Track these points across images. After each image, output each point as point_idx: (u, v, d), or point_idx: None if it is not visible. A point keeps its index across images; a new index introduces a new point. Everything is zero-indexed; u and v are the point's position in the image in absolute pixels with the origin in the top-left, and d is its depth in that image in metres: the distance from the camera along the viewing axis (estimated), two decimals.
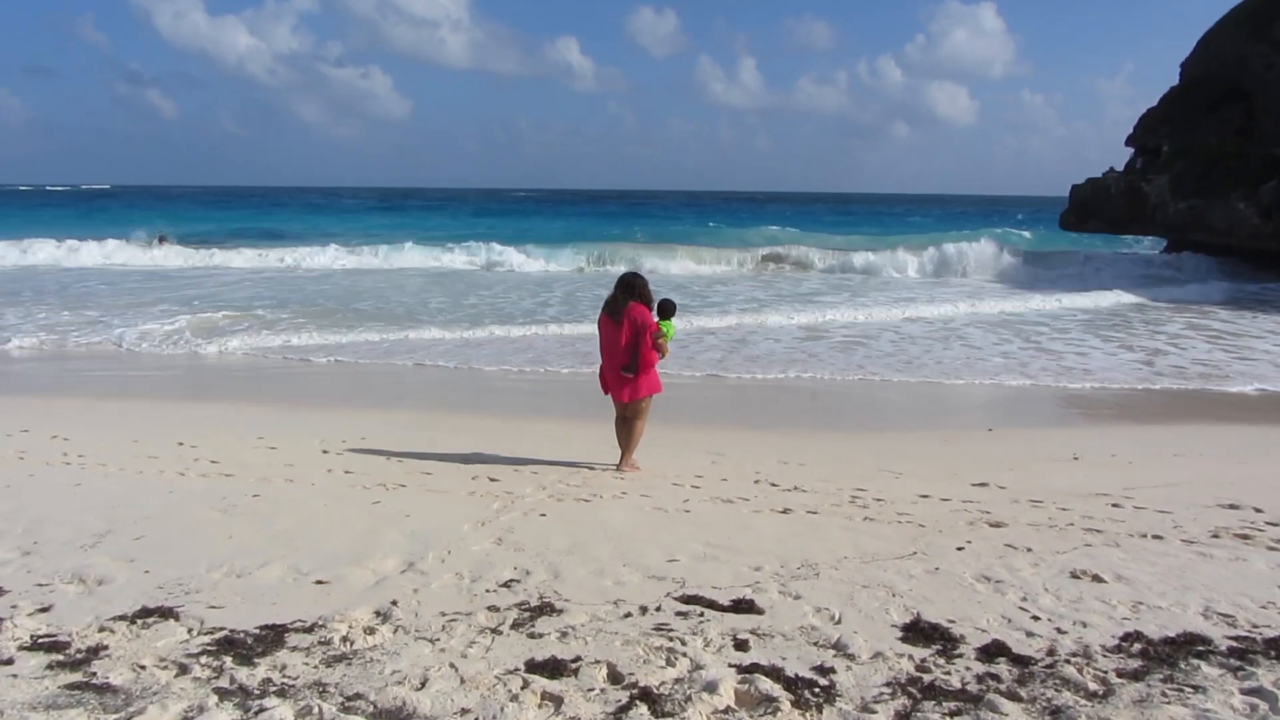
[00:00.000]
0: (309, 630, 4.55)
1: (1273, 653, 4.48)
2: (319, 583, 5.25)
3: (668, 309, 8.69)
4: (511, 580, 5.33)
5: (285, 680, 3.99)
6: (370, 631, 4.54)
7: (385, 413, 11.92)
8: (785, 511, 7.05)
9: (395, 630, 4.58)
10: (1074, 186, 53.53)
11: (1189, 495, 7.81)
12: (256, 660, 4.19)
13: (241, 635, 4.46)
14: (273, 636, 4.47)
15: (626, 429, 8.74)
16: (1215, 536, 6.50)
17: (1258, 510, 7.28)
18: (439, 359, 16.27)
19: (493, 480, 7.95)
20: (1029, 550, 6.10)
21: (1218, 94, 49.02)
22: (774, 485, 8.04)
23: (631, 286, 8.49)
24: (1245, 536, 6.50)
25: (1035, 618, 4.91)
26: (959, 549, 6.11)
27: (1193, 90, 50.68)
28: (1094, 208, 51.51)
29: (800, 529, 6.56)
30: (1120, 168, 52.70)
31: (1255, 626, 4.84)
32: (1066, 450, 10.03)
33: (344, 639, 4.45)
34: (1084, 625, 4.82)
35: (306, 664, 4.16)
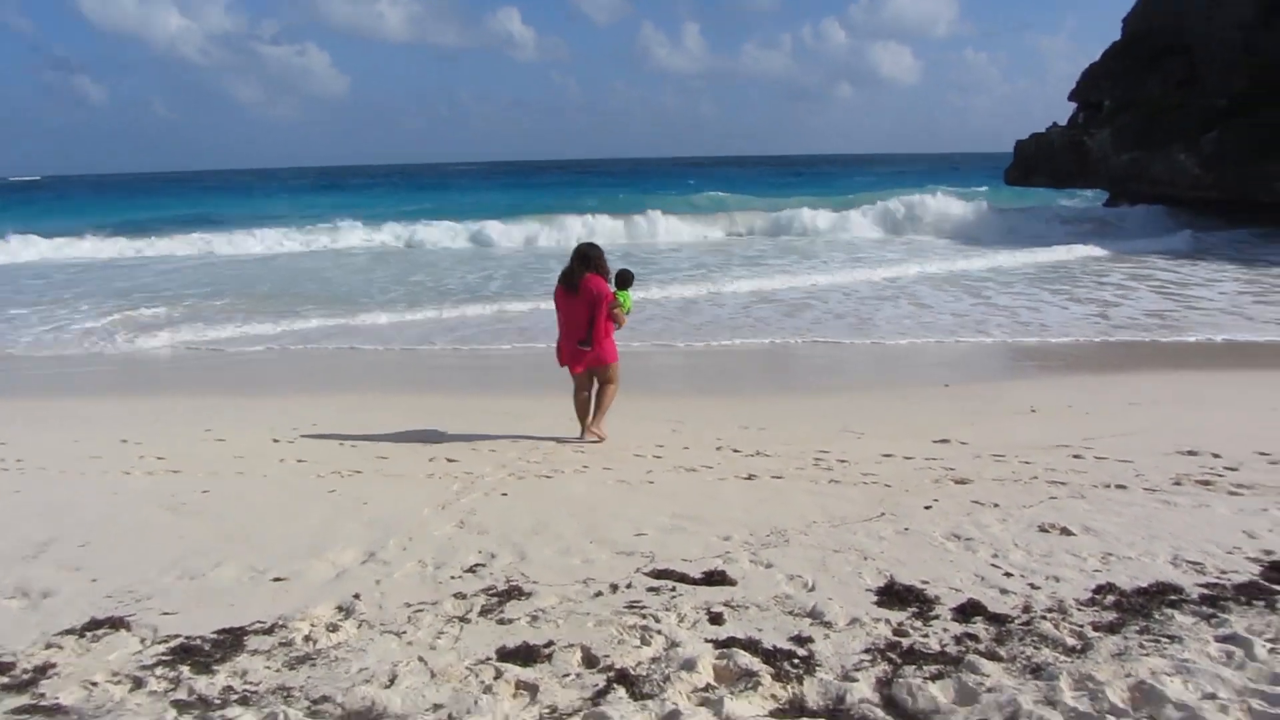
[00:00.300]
0: (269, 631, 4.38)
1: (1243, 598, 4.49)
2: (277, 580, 5.07)
3: (625, 279, 8.56)
4: (477, 565, 5.19)
5: (247, 687, 3.82)
6: (333, 629, 4.39)
7: (335, 397, 11.66)
8: (750, 478, 6.98)
9: (359, 625, 4.43)
10: (1018, 142, 54.03)
11: (1148, 443, 7.87)
12: (215, 667, 4.02)
13: (198, 642, 4.28)
14: (231, 641, 4.29)
15: (591, 401, 8.64)
16: (1177, 484, 6.54)
17: (1215, 456, 7.35)
18: (388, 341, 15.98)
19: (451, 461, 7.78)
20: (996, 506, 6.09)
21: (1159, 47, 49.56)
22: (737, 451, 7.96)
23: (587, 258, 8.35)
24: (1206, 483, 6.54)
25: (1008, 574, 4.89)
26: (926, 508, 6.08)
27: (1134, 44, 51.19)
28: (1038, 162, 52.05)
29: (766, 495, 6.49)
30: (1063, 123, 53.33)
31: (1224, 573, 4.85)
32: (1024, 403, 10.08)
33: (306, 638, 4.29)
34: (1056, 580, 4.80)
35: (269, 668, 4.00)
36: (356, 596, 4.76)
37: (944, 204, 44.45)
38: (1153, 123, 45.23)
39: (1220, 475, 6.74)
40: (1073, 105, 51.99)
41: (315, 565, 5.26)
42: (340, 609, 4.64)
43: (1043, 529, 5.59)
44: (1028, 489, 6.49)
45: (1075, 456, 7.47)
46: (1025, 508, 6.03)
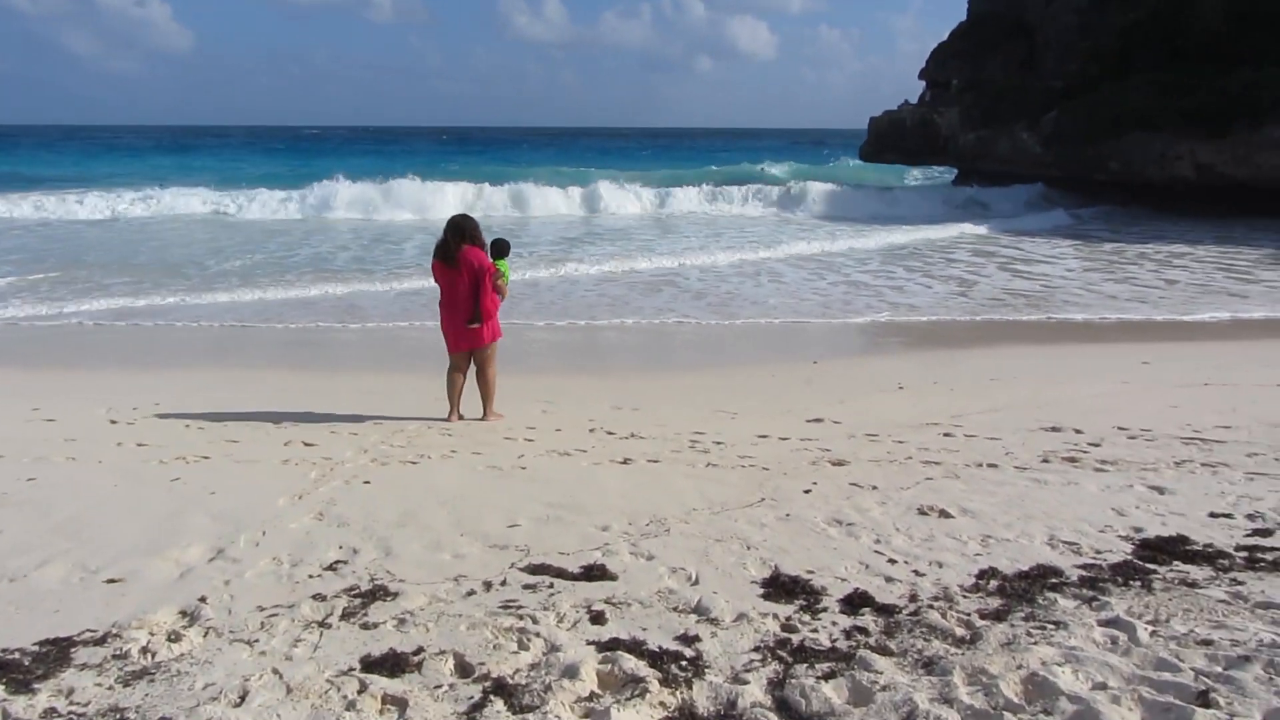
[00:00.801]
0: (101, 642, 3.91)
1: (1120, 579, 4.53)
2: (111, 581, 4.56)
3: (501, 248, 8.21)
4: (338, 562, 4.80)
5: (73, 708, 3.38)
6: (175, 638, 3.95)
7: (179, 374, 10.92)
8: (626, 462, 6.76)
9: (206, 633, 4.00)
10: (872, 119, 55.55)
11: (1013, 420, 8.02)
12: (36, 685, 3.55)
13: (16, 656, 3.78)
14: (56, 654, 3.81)
15: (463, 383, 8.28)
16: (1045, 461, 6.65)
17: (1078, 431, 7.54)
18: (235, 316, 15.09)
19: (308, 445, 7.29)
20: (874, 488, 6.04)
21: (1002, 30, 51.59)
22: (611, 434, 7.74)
23: (461, 229, 7.96)
24: (1072, 460, 6.68)
25: (891, 560, 4.81)
26: (806, 492, 5.98)
27: (979, 26, 53.15)
28: (891, 139, 53.65)
29: (644, 480, 6.29)
30: (909, 101, 55.04)
31: (1099, 553, 4.90)
32: (891, 380, 10.20)
33: (144, 649, 3.84)
34: (939, 565, 4.75)
35: (99, 685, 3.55)
36: (203, 600, 4.32)
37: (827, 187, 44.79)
38: (997, 102, 47.13)
39: (1085, 452, 6.89)
40: (922, 83, 53.74)
41: (156, 564, 4.77)
42: (184, 614, 4.20)
43: (922, 512, 5.56)
44: (904, 470, 6.48)
45: (946, 435, 7.54)
46: (903, 489, 6.01)
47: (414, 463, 6.77)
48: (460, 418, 8.33)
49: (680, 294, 17.29)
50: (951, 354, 12.18)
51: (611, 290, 17.67)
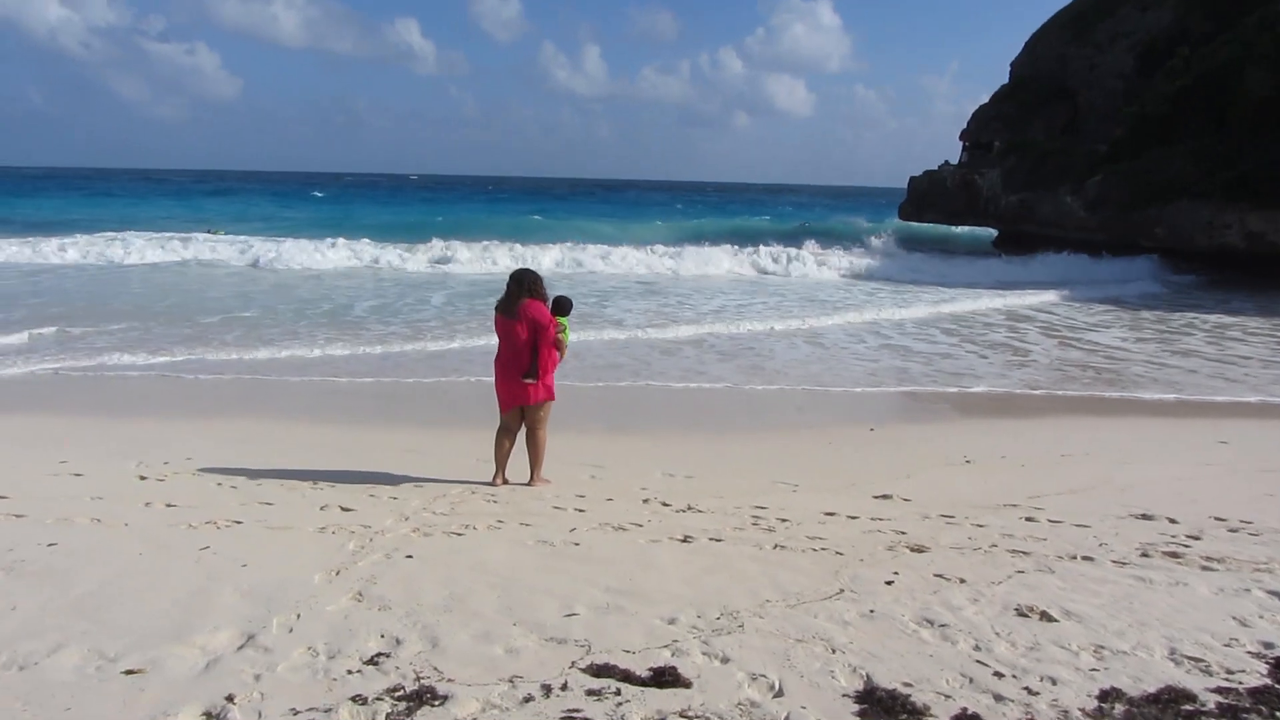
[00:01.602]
0: None
1: (1263, 708, 3.97)
2: (130, 673, 4.12)
3: (564, 306, 7.83)
4: (379, 655, 4.33)
5: None
6: None
7: (212, 424, 10.55)
8: (686, 540, 6.27)
9: None
10: (912, 178, 55.38)
11: (1097, 504, 7.46)
12: None
13: None
14: None
15: (512, 445, 7.88)
16: (1145, 556, 6.09)
17: (1172, 521, 6.97)
18: (273, 370, 14.80)
19: (346, 510, 6.86)
20: (962, 581, 5.51)
21: (1045, 93, 51.46)
22: (666, 505, 7.26)
23: (522, 282, 7.65)
24: (1174, 555, 6.10)
25: (998, 674, 4.28)
26: (888, 583, 5.46)
27: (1021, 88, 53.04)
28: (931, 199, 53.39)
29: (708, 563, 5.78)
30: (949, 161, 54.83)
31: (1231, 673, 4.34)
32: (954, 452, 9.67)
33: None
34: (1053, 682, 4.21)
35: None
36: (230, 699, 3.86)
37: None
38: (1040, 164, 46.78)
39: (1186, 546, 6.32)
40: (958, 144, 53.54)
41: (179, 652, 4.32)
42: (209, 716, 3.74)
43: (1021, 613, 5.02)
44: (991, 560, 5.94)
45: (1028, 519, 6.99)
46: (994, 584, 5.46)
47: (459, 534, 6.31)
48: (505, 482, 7.90)
49: (719, 355, 16.84)
50: (1014, 425, 11.61)
51: (633, 351, 17.22)
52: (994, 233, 51.09)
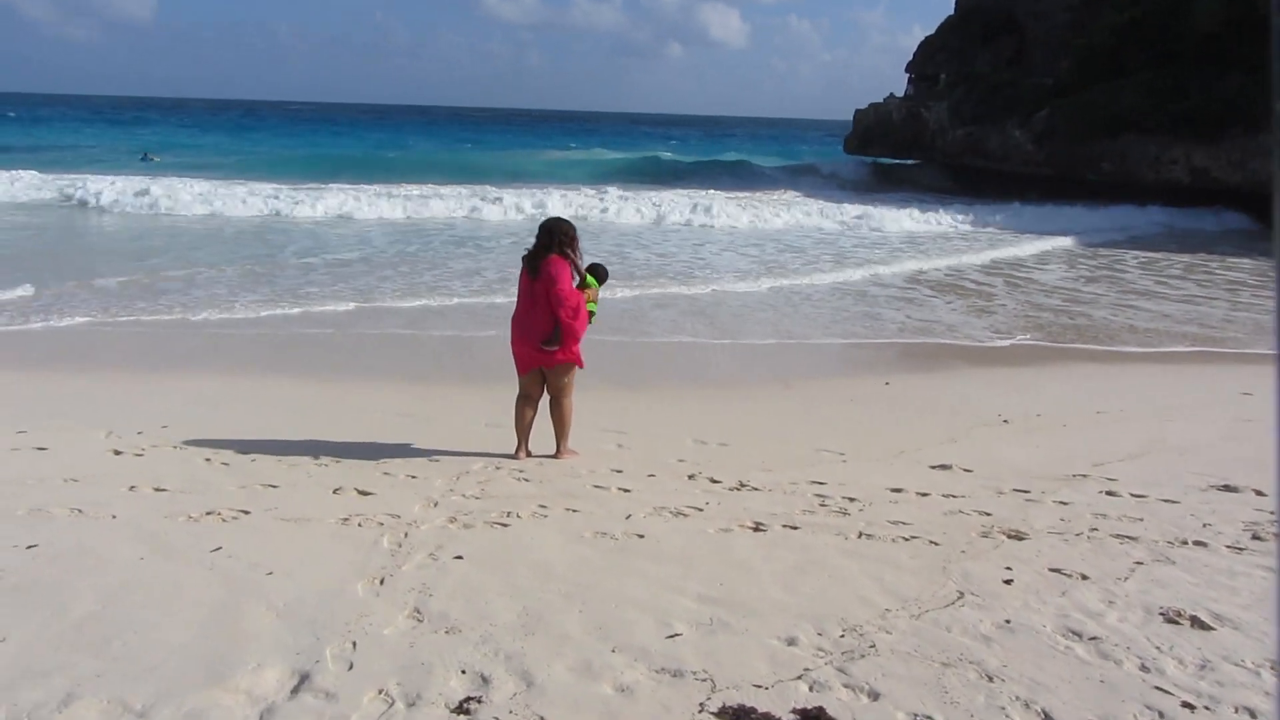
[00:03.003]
0: None
1: None
2: None
3: (600, 274, 7.03)
4: (469, 700, 3.60)
5: None
6: None
7: (173, 381, 9.56)
8: (758, 529, 5.60)
9: None
10: (858, 111, 54.82)
11: (1168, 472, 6.99)
12: None
13: None
14: None
15: (553, 411, 7.16)
16: (1257, 539, 5.59)
17: (1259, 494, 6.50)
18: (218, 310, 13.70)
19: (364, 495, 6.05)
20: (1084, 578, 4.94)
21: (992, 25, 50.92)
22: (715, 482, 6.59)
23: (553, 234, 6.77)
24: None
25: (1187, 705, 3.71)
26: (1006, 582, 4.87)
27: (968, 20, 52.41)
28: (877, 133, 52.97)
29: (796, 559, 5.13)
30: (894, 94, 54.26)
31: None
32: (983, 410, 9.14)
33: None
34: (1251, 715, 3.65)
35: None
36: None
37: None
38: (988, 98, 46.44)
39: None
40: (891, 78, 53.06)
41: (223, 700, 3.54)
42: None
43: (1168, 618, 4.47)
44: (1100, 549, 5.39)
45: (1108, 494, 6.48)
46: (1120, 580, 4.92)
47: (502, 524, 5.55)
48: (529, 454, 7.14)
49: (685, 311, 16.12)
50: (1024, 378, 11.12)
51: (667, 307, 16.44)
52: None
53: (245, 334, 12.11)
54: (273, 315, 13.12)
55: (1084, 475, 6.90)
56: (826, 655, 4.02)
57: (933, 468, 7.10)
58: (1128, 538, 5.57)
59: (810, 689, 3.74)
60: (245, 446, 7.11)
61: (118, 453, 6.82)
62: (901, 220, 30.18)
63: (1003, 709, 3.64)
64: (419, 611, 4.32)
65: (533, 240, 6.89)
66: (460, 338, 12.16)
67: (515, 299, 7.08)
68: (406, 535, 5.29)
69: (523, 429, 7.16)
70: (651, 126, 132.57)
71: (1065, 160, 41.27)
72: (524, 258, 6.85)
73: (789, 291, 16.92)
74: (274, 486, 6.14)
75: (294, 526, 5.40)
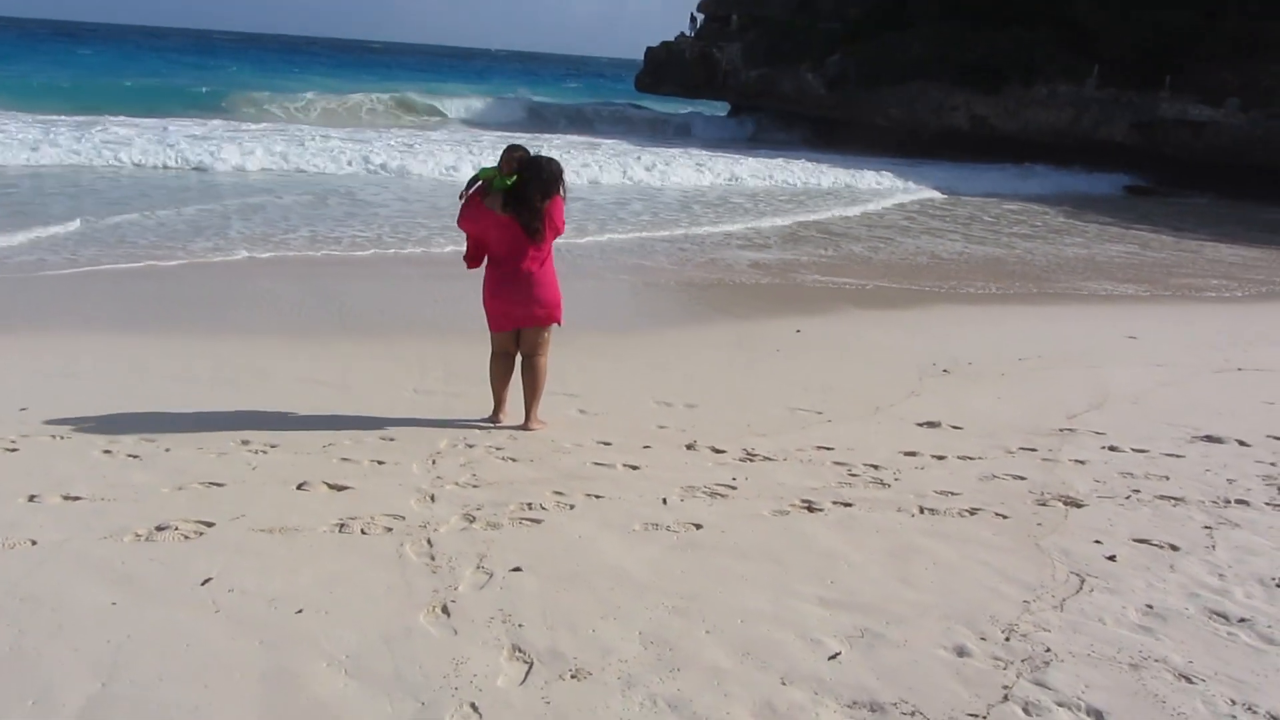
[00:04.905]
0: None
1: None
2: None
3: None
4: None
5: None
6: None
7: (12, 345, 7.85)
8: (812, 509, 5.04)
9: None
10: (649, 49, 54.45)
11: (1144, 424, 6.99)
12: None
13: None
14: None
15: (526, 373, 6.23)
16: None
17: (1243, 444, 6.58)
18: (39, 254, 11.64)
19: (338, 489, 5.00)
20: (1174, 548, 4.72)
21: None
22: (719, 452, 5.97)
23: (557, 177, 5.85)
24: None
25: None
26: (1109, 558, 4.56)
27: None
28: (668, 71, 52.82)
29: (883, 543, 4.62)
30: (685, 33, 54.29)
31: None
32: (915, 358, 8.92)
33: None
34: None
35: None
36: None
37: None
38: (781, 41, 47.28)
39: None
40: (670, 16, 53.34)
41: None
42: None
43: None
44: (1159, 514, 5.21)
45: (1111, 449, 6.36)
46: (1209, 549, 4.73)
47: (533, 520, 4.71)
48: (504, 417, 6.31)
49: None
50: (916, 321, 11.06)
51: None
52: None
53: (78, 283, 10.25)
54: (110, 268, 11.20)
55: (1070, 430, 6.78)
56: (1008, 665, 3.54)
57: (920, 425, 6.78)
58: (1174, 499, 5.42)
59: (1025, 711, 3.25)
60: (141, 428, 5.81)
61: (11, 447, 5.36)
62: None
63: (1233, 718, 3.27)
64: (520, 651, 3.47)
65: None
66: (336, 289, 10.82)
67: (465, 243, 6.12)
68: (430, 544, 4.35)
69: (502, 388, 6.31)
70: (418, 56, 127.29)
71: (855, 105, 42.70)
72: (505, 202, 5.83)
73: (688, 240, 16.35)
74: (219, 485, 4.97)
75: (281, 540, 4.33)
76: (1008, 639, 3.73)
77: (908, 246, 17.20)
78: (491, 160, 6.36)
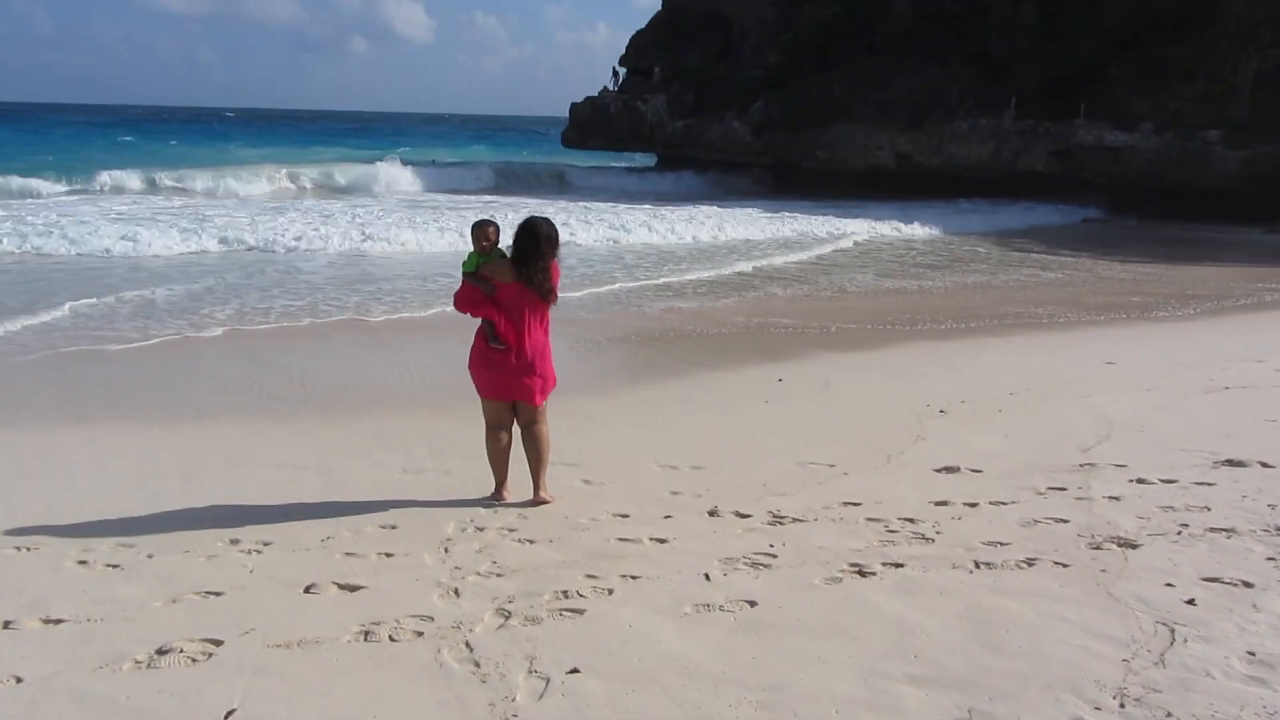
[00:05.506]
0: None
1: None
2: None
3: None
4: None
5: None
6: None
7: (11, 433, 7.22)
8: (864, 574, 4.73)
9: None
10: (574, 105, 54.71)
11: (1163, 453, 6.86)
12: None
13: None
14: None
15: (528, 442, 5.82)
16: None
17: (1265, 465, 6.45)
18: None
19: (349, 590, 4.55)
20: (1248, 585, 4.52)
21: (700, 19, 52.41)
22: (743, 516, 5.64)
23: (553, 239, 5.52)
24: None
25: None
26: (1189, 603, 4.31)
27: (677, 15, 53.63)
28: (594, 126, 53.07)
29: (950, 606, 4.33)
30: (608, 87, 54.67)
31: None
32: (909, 400, 8.72)
33: None
34: None
35: None
36: None
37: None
38: (705, 91, 47.86)
39: None
40: (589, 76, 53.91)
41: None
42: None
43: None
44: (1217, 548, 5.01)
45: (1139, 480, 6.19)
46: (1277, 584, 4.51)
47: (575, 611, 4.32)
48: (508, 494, 5.90)
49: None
50: (892, 361, 10.92)
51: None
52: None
53: (17, 372, 9.56)
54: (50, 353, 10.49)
55: (1090, 464, 6.61)
56: None
57: (938, 471, 6.55)
58: (1225, 530, 5.24)
59: None
60: (114, 532, 5.29)
61: None
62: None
63: None
64: None
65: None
66: (290, 363, 10.28)
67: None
68: (470, 647, 3.93)
69: (502, 464, 5.91)
70: (338, 123, 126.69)
71: (782, 149, 43.22)
72: (522, 269, 5.50)
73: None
74: (216, 594, 4.48)
75: (303, 656, 3.87)
76: (1122, 705, 3.44)
77: (864, 285, 17.21)
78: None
